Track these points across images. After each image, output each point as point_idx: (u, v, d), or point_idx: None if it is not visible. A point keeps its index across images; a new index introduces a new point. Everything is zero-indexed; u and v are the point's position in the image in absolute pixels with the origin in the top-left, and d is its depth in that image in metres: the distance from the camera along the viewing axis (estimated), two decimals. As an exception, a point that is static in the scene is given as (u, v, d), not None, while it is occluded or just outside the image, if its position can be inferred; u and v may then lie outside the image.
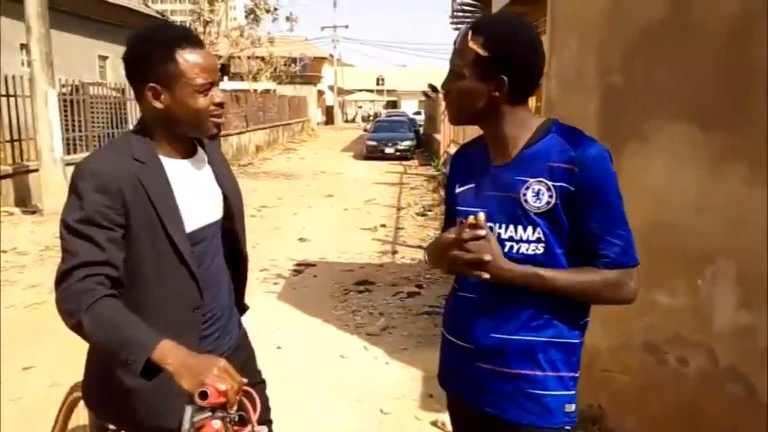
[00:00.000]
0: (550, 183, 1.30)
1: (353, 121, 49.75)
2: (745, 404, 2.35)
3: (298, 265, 6.22)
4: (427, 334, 4.28)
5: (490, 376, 1.39)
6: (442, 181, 11.59)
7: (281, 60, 29.19)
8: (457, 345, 1.45)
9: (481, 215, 1.29)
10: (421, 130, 24.53)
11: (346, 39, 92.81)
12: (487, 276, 1.28)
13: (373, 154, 18.77)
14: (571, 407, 1.38)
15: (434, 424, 3.04)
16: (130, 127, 12.45)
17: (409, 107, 44.62)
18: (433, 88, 22.20)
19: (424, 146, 21.59)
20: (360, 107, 52.90)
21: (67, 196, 1.37)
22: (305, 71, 39.47)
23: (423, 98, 30.99)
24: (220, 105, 1.45)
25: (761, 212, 2.28)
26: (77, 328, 1.27)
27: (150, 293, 1.42)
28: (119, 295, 1.34)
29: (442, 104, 15.79)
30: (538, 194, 1.31)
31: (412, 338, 4.21)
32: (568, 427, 1.38)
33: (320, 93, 44.49)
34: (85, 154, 9.87)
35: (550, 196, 1.30)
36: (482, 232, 1.28)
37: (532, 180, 1.32)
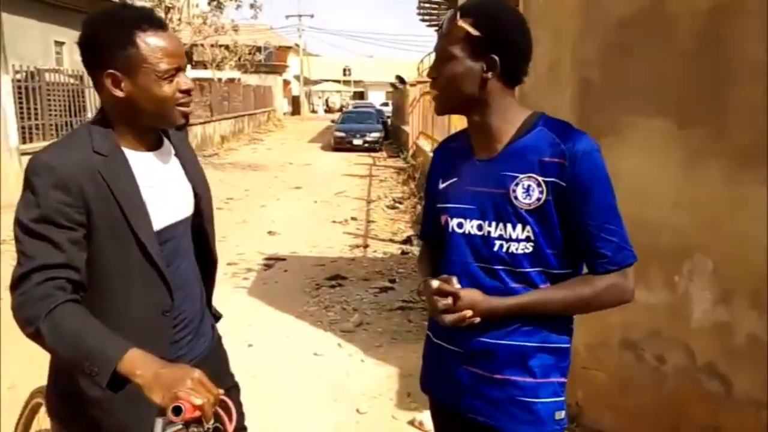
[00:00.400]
0: (540, 178, 1.25)
1: (314, 112, 49.13)
2: (723, 401, 2.37)
3: (268, 259, 6.10)
4: (401, 330, 4.24)
5: (479, 382, 1.35)
6: (411, 174, 11.56)
7: (246, 49, 28.65)
8: (445, 348, 1.40)
9: (454, 279, 1.28)
10: (389, 121, 24.45)
11: (312, 28, 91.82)
12: (478, 320, 1.27)
13: (341, 145, 18.63)
14: (561, 414, 1.35)
15: (411, 423, 3.00)
16: (90, 115, 12.17)
17: (377, 98, 44.47)
18: (400, 79, 22.12)
19: (393, 138, 21.53)
20: (321, 97, 52.33)
21: (22, 193, 1.25)
22: (270, 60, 38.87)
23: (390, 89, 30.90)
24: (188, 92, 1.34)
25: (737, 208, 2.29)
26: (35, 337, 1.17)
27: (116, 297, 1.32)
28: (81, 299, 1.23)
29: (410, 95, 15.75)
30: (528, 190, 1.26)
31: (387, 334, 4.16)
32: None
33: (286, 83, 43.95)
34: (43, 144, 9.49)
35: (541, 192, 1.25)
36: (447, 302, 1.26)
37: (521, 175, 1.27)
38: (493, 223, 1.30)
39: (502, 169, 1.29)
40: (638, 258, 1.30)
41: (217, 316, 1.67)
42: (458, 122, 7.57)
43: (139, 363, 1.11)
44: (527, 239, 1.27)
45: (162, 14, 20.91)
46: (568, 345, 1.37)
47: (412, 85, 16.02)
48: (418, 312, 4.57)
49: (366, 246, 6.75)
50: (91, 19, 1.31)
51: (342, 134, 19.01)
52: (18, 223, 1.22)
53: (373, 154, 17.83)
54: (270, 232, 7.29)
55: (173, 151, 1.46)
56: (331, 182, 11.66)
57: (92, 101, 12.39)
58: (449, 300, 1.25)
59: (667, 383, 2.57)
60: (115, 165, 1.30)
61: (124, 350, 1.12)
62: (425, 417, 2.99)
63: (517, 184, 1.27)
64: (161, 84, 1.29)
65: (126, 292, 1.33)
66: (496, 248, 1.29)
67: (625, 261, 1.28)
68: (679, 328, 2.51)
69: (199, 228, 1.53)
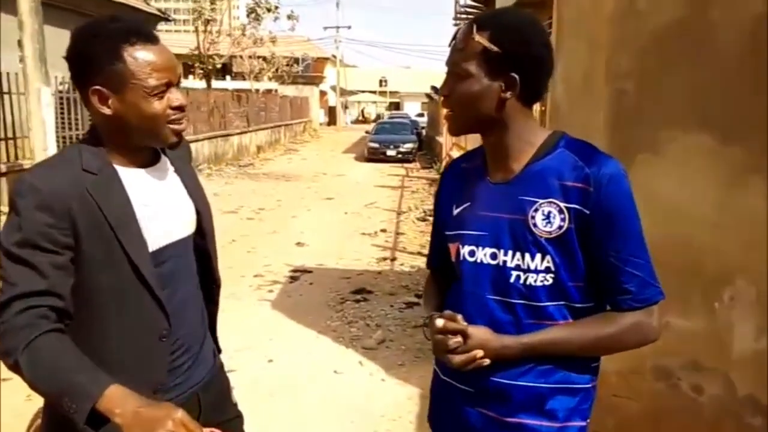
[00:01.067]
0: (562, 204, 1.14)
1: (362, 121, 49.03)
2: (765, 438, 2.18)
3: (295, 271, 6.05)
4: (425, 348, 4.11)
5: (491, 425, 1.23)
6: (443, 185, 11.44)
7: (283, 60, 29.05)
8: (454, 387, 1.28)
9: (459, 317, 1.15)
10: (424, 132, 24.37)
11: (349, 40, 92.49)
12: (487, 361, 1.16)
13: (375, 156, 18.61)
14: None
15: (431, 448, 2.87)
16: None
17: (412, 109, 44.49)
18: (435, 90, 22.09)
19: (426, 149, 21.44)
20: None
21: (6, 216, 1.19)
22: (307, 71, 39.33)
23: (426, 100, 30.87)
24: (180, 108, 1.26)
25: (785, 231, 2.12)
26: (15, 369, 1.10)
27: (109, 323, 1.24)
28: (70, 326, 1.16)
29: (445, 106, 15.59)
30: (548, 217, 1.14)
31: (410, 352, 4.05)
32: None
33: (322, 93, 44.36)
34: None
35: (563, 220, 1.13)
36: (457, 340, 1.14)
37: (541, 200, 1.15)
38: (509, 252, 1.18)
39: (519, 193, 1.18)
40: (665, 296, 1.17)
41: (216, 349, 1.59)
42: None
43: (118, 401, 1.04)
44: (547, 270, 1.15)
45: (202, 27, 21.41)
46: (590, 385, 1.24)
47: (447, 96, 15.94)
48: (444, 329, 4.44)
49: (393, 259, 6.65)
50: (78, 31, 1.24)
51: (376, 145, 19.00)
52: (0, 247, 1.16)
53: (406, 164, 17.76)
54: (298, 243, 7.26)
55: (171, 167, 1.38)
56: (362, 193, 11.62)
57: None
58: (459, 338, 1.14)
59: (704, 415, 2.39)
60: (106, 182, 1.23)
61: (103, 387, 1.05)
62: (446, 442, 2.87)
63: (536, 210, 1.15)
64: (150, 101, 1.21)
65: (120, 317, 1.25)
66: (512, 279, 1.17)
67: (651, 298, 1.15)
68: (718, 357, 2.34)
69: (201, 248, 1.45)
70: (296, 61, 34.00)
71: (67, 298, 1.17)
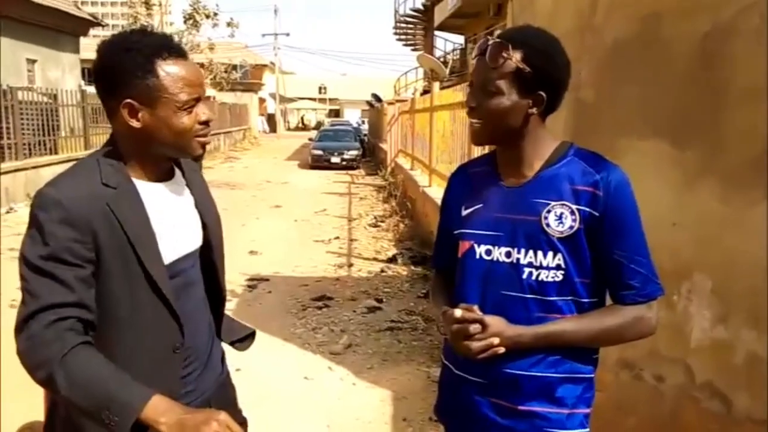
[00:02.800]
0: (573, 206, 1.25)
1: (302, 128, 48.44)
2: (722, 419, 2.37)
3: (251, 280, 6.01)
4: (391, 351, 4.19)
5: (503, 414, 1.32)
6: (392, 191, 11.56)
7: (221, 67, 28.56)
8: (466, 379, 1.37)
9: (475, 307, 1.24)
10: (366, 139, 24.51)
11: (287, 47, 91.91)
12: (502, 349, 1.24)
13: (319, 163, 18.57)
14: None
15: (409, 448, 2.94)
16: (63, 134, 11.93)
17: (352, 116, 44.56)
18: (376, 97, 22.25)
19: (370, 155, 21.56)
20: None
21: (27, 229, 1.19)
22: (246, 78, 38.77)
23: (366, 107, 31.04)
24: (206, 123, 1.29)
25: (734, 227, 2.32)
26: (47, 383, 1.11)
27: (124, 335, 1.26)
28: (92, 340, 1.18)
29: (388, 113, 15.84)
30: (561, 218, 1.25)
31: (377, 356, 4.11)
32: None
33: (261, 101, 43.85)
34: (15, 163, 9.22)
35: (574, 220, 1.24)
36: (476, 327, 1.22)
37: (554, 203, 1.26)
38: (523, 250, 1.27)
39: (533, 196, 1.28)
40: (665, 291, 1.29)
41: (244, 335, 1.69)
42: (440, 142, 7.60)
43: (162, 410, 1.07)
44: (558, 267, 1.26)
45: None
46: (592, 375, 1.35)
47: (390, 103, 16.12)
48: (407, 332, 4.53)
49: (350, 265, 6.70)
50: (109, 45, 1.25)
51: (320, 152, 18.96)
52: (23, 260, 1.16)
53: (351, 172, 17.81)
54: (251, 252, 7.20)
55: (185, 182, 1.41)
56: (310, 200, 11.59)
57: (66, 120, 12.19)
58: (478, 325, 1.22)
59: (665, 402, 2.57)
60: (126, 198, 1.25)
61: (147, 398, 1.08)
62: (423, 441, 2.95)
63: (549, 211, 1.26)
64: (181, 115, 1.24)
65: (136, 330, 1.27)
66: (524, 276, 1.27)
67: (653, 294, 1.28)
68: (678, 347, 2.52)
69: (208, 260, 1.48)
70: (234, 68, 33.47)
71: (93, 309, 1.19)
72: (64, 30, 16.51)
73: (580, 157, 1.29)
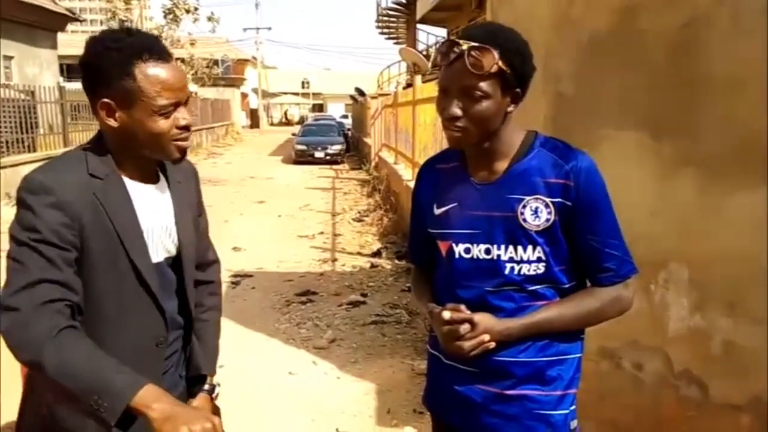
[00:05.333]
0: (547, 200, 1.26)
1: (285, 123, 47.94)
2: (699, 405, 2.41)
3: (235, 276, 5.98)
4: (375, 345, 4.20)
5: (494, 400, 1.34)
6: (376, 186, 11.56)
7: (203, 62, 28.30)
8: (455, 368, 1.38)
9: (462, 306, 1.26)
10: (350, 133, 24.46)
11: (270, 41, 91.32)
12: (493, 344, 1.26)
13: (303, 158, 18.51)
14: (575, 423, 1.37)
15: (393, 440, 2.96)
16: (41, 131, 11.76)
17: (336, 110, 44.45)
18: (360, 91, 22.19)
19: (354, 150, 21.53)
20: (285, 110, 51.94)
21: (16, 213, 1.19)
22: (228, 74, 38.48)
23: (350, 102, 30.98)
24: (186, 128, 1.27)
25: (711, 217, 2.35)
26: (33, 365, 1.10)
27: (110, 325, 1.26)
28: (79, 325, 1.16)
29: (371, 108, 15.82)
30: (536, 212, 1.27)
31: (362, 350, 4.12)
32: None
33: (244, 96, 43.54)
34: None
35: (549, 213, 1.26)
36: (466, 327, 1.24)
37: (528, 197, 1.27)
38: (503, 246, 1.29)
39: (506, 192, 1.29)
40: (639, 270, 1.32)
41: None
42: (423, 135, 7.61)
43: (153, 398, 1.06)
44: (538, 260, 1.28)
45: (116, 27, 20.52)
46: (580, 355, 1.39)
47: (374, 97, 16.10)
48: (392, 326, 4.55)
49: (334, 260, 6.70)
50: (93, 41, 1.23)
51: (303, 147, 18.89)
52: (13, 239, 1.16)
53: (335, 166, 17.78)
54: (235, 248, 7.17)
55: (168, 189, 1.39)
56: (294, 196, 11.56)
57: (44, 117, 12.00)
58: (467, 326, 1.24)
59: (645, 390, 2.61)
60: (113, 189, 1.24)
61: (139, 385, 1.06)
62: (407, 433, 2.96)
63: (524, 206, 1.27)
64: (157, 119, 1.22)
65: (120, 322, 1.27)
66: (506, 271, 1.29)
67: (629, 273, 1.32)
68: (656, 336, 2.55)
69: (177, 274, 1.42)
70: (216, 63, 33.20)
71: (79, 292, 1.18)
72: (41, 26, 16.25)
73: (548, 148, 1.30)
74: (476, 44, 1.22)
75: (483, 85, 1.23)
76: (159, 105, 1.21)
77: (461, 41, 1.23)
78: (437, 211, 1.38)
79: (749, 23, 2.17)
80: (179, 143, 1.27)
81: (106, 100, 1.20)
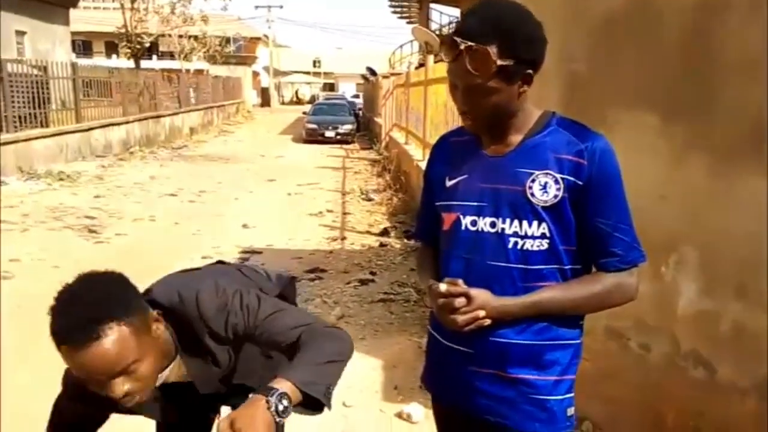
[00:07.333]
0: (558, 176, 1.25)
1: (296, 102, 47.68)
2: (706, 387, 2.42)
3: (244, 252, 6.02)
4: (383, 323, 4.23)
5: (491, 382, 1.33)
6: (386, 165, 11.55)
7: (215, 40, 28.21)
8: (454, 350, 1.37)
9: (459, 281, 1.25)
10: (361, 113, 24.37)
11: (281, 19, 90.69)
12: (488, 321, 1.26)
13: (313, 137, 18.49)
14: (572, 410, 1.35)
15: (399, 416, 3.00)
16: (53, 107, 11.79)
17: (347, 90, 44.20)
18: (371, 71, 22.04)
19: (365, 130, 21.47)
20: (296, 90, 51.67)
21: None
22: (239, 52, 38.37)
23: (361, 81, 30.79)
24: (126, 395, 1.20)
25: (722, 200, 2.34)
26: None
27: None
28: None
29: (383, 87, 15.72)
30: (545, 187, 1.25)
31: (369, 327, 4.15)
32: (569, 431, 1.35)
33: (255, 74, 43.43)
34: (5, 135, 9.13)
35: (558, 189, 1.25)
36: (462, 300, 1.24)
37: (538, 172, 1.26)
38: (508, 220, 1.28)
39: (516, 165, 1.28)
40: (647, 258, 1.31)
41: None
42: (435, 115, 7.58)
43: None
44: (543, 236, 1.26)
45: (128, 4, 20.47)
46: (579, 341, 1.37)
47: (385, 77, 16.00)
48: (400, 304, 4.58)
49: (343, 238, 6.72)
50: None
51: (314, 126, 18.86)
52: None
53: (345, 146, 17.75)
54: (245, 225, 7.20)
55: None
56: (304, 174, 11.57)
57: (57, 93, 12.05)
58: (463, 299, 1.24)
59: (651, 371, 2.62)
60: None
61: None
62: (413, 409, 3.00)
63: (533, 181, 1.26)
64: (102, 390, 1.20)
65: None
66: (510, 245, 1.28)
67: (635, 260, 1.29)
68: (664, 317, 2.56)
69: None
70: (228, 40, 33.08)
71: None
72: (54, 2, 16.23)
73: (563, 127, 1.29)
74: (472, 45, 1.19)
75: (487, 83, 1.22)
76: (89, 383, 1.20)
77: (459, 39, 1.21)
78: (449, 183, 1.38)
79: (765, 6, 2.13)
80: (126, 406, 1.25)
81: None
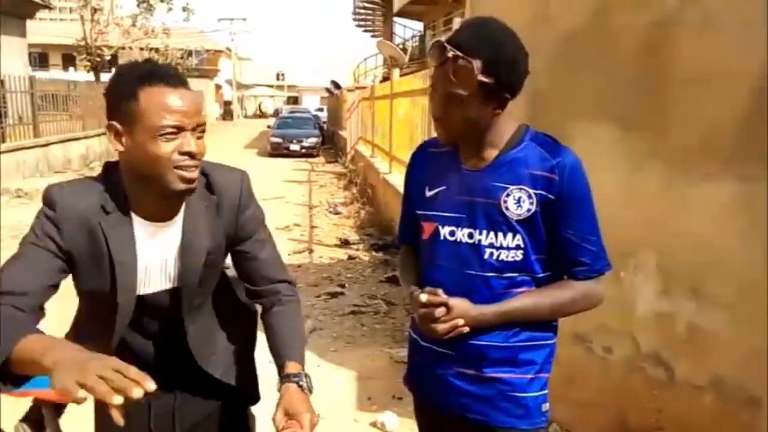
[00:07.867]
0: (531, 191, 1.31)
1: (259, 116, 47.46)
2: (666, 387, 2.54)
3: (212, 267, 5.97)
4: (355, 335, 4.27)
5: (471, 381, 1.41)
6: (352, 179, 11.60)
7: (177, 53, 27.90)
8: (434, 351, 1.44)
9: (440, 291, 1.32)
10: (326, 126, 24.41)
11: (245, 32, 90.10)
12: (467, 329, 1.33)
13: (278, 151, 18.43)
14: (546, 406, 1.43)
15: (374, 425, 3.04)
16: (10, 122, 11.50)
17: (311, 103, 44.24)
18: (335, 84, 22.13)
19: (330, 143, 21.51)
20: (260, 102, 51.42)
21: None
22: (202, 65, 38.04)
23: (325, 94, 30.86)
24: (190, 155, 1.20)
25: (678, 206, 2.48)
26: None
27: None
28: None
29: (348, 101, 15.81)
30: (519, 201, 1.32)
31: (341, 339, 4.19)
32: (543, 426, 1.43)
33: (218, 87, 43.09)
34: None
35: (531, 204, 1.32)
36: (441, 311, 1.31)
37: (512, 187, 1.32)
38: (484, 232, 1.34)
39: (492, 180, 1.34)
40: (612, 267, 1.40)
41: None
42: (400, 129, 7.68)
43: (47, 345, 1.00)
44: (517, 247, 1.33)
45: (88, 15, 20.14)
46: (552, 341, 1.45)
47: (350, 90, 16.09)
48: (370, 316, 4.63)
49: (311, 251, 6.74)
50: (116, 69, 1.29)
51: (279, 140, 18.81)
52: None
53: (311, 159, 17.74)
54: (212, 240, 7.14)
55: (181, 227, 1.34)
56: (270, 188, 11.48)
57: (14, 107, 11.77)
58: (443, 309, 1.30)
59: (614, 372, 2.73)
60: (118, 225, 1.28)
61: (20, 336, 1.03)
62: (386, 418, 3.04)
63: (508, 195, 1.32)
64: (156, 141, 1.18)
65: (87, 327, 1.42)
66: (486, 256, 1.34)
67: (602, 269, 1.38)
68: (625, 320, 2.67)
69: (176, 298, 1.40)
70: (190, 53, 32.76)
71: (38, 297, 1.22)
72: (9, 12, 15.84)
73: (536, 142, 1.36)
74: (460, 55, 1.25)
75: (464, 93, 1.27)
76: (159, 126, 1.18)
77: (448, 47, 1.27)
78: (428, 193, 1.44)
79: (716, 22, 2.28)
80: (181, 172, 1.21)
81: (113, 122, 1.22)
